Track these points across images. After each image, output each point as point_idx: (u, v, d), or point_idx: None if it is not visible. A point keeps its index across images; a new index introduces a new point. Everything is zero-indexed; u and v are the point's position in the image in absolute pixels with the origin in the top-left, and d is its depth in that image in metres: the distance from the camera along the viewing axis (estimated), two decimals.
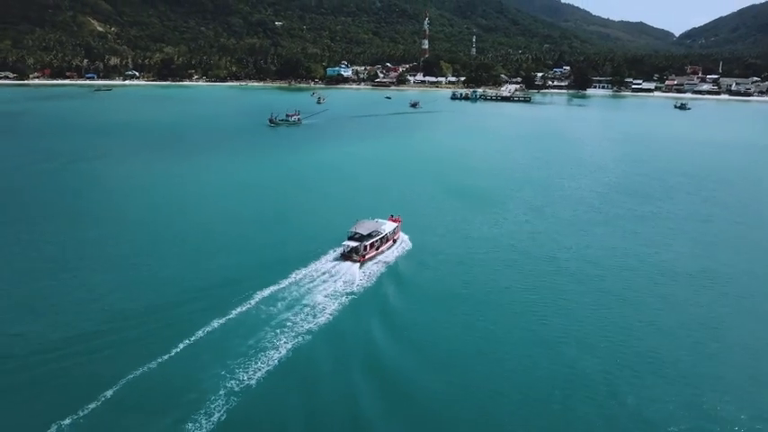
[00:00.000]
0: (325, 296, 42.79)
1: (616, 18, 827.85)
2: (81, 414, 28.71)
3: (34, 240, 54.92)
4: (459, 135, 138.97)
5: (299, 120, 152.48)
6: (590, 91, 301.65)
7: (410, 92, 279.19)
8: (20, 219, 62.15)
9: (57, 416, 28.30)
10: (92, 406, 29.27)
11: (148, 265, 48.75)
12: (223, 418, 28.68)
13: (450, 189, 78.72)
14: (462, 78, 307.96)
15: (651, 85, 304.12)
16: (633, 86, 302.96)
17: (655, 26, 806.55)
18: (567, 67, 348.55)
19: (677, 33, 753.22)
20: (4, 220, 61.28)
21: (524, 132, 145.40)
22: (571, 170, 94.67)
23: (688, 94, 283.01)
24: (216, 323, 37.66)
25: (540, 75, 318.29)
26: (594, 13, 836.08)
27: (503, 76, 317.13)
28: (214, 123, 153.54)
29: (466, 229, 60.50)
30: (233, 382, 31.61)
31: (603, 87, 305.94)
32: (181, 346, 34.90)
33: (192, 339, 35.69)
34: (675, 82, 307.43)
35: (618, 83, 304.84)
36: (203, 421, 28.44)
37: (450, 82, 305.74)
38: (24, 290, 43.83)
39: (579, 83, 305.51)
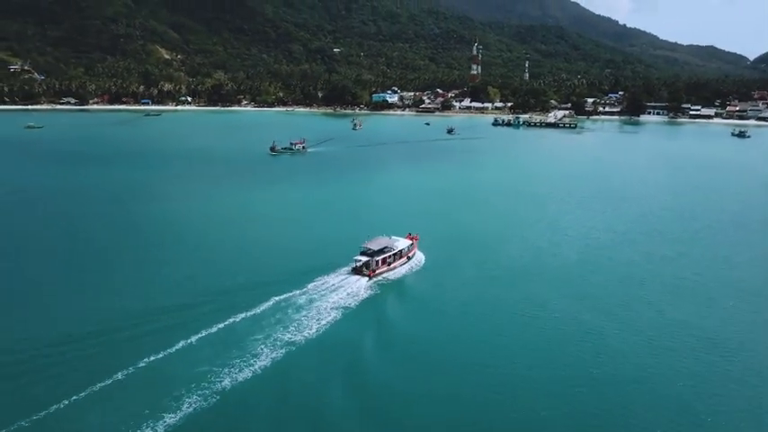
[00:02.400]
0: (326, 307, 46.51)
1: (685, 42, 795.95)
2: (99, 387, 34.84)
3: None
4: (479, 165, 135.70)
5: (303, 148, 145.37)
6: (644, 117, 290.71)
7: (455, 117, 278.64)
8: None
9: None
10: (109, 383, 35.28)
11: (179, 270, 56.52)
12: (191, 411, 32.85)
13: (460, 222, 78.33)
14: (509, 104, 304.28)
15: (711, 111, 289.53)
16: (690, 112, 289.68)
17: (727, 50, 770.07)
18: (625, 93, 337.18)
19: (752, 57, 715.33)
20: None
21: (554, 160, 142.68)
22: (592, 203, 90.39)
23: (751, 121, 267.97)
24: (217, 326, 42.53)
25: (591, 100, 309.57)
26: (662, 37, 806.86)
27: (553, 101, 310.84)
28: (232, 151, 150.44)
29: (478, 252, 63.43)
30: (213, 381, 35.74)
31: (658, 113, 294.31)
32: (186, 342, 40.12)
33: (195, 338, 40.67)
34: (738, 108, 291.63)
35: (674, 109, 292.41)
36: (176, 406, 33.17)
37: (496, 108, 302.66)
38: (48, 293, 50.81)
39: (632, 108, 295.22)
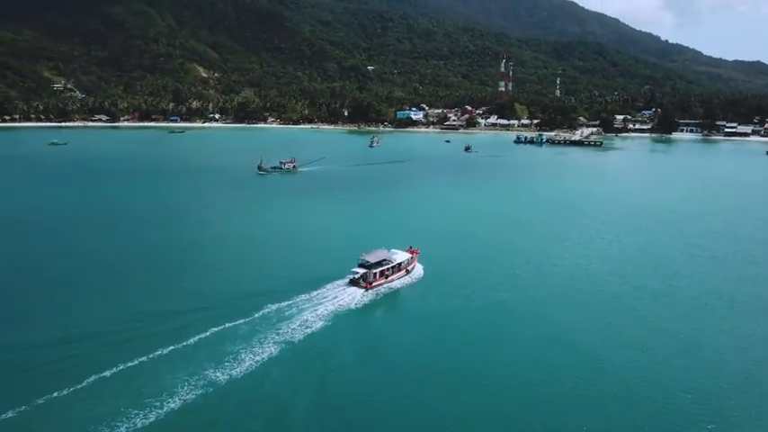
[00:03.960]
0: (316, 317, 48.34)
1: (730, 58, 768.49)
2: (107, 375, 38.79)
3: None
4: (479, 186, 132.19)
5: (294, 167, 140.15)
6: (676, 135, 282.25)
7: (479, 135, 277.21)
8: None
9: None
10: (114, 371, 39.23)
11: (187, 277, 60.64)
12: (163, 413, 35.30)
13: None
14: (536, 121, 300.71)
15: (748, 129, 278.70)
16: (726, 130, 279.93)
17: None
18: (659, 109, 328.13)
19: None
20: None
21: (562, 181, 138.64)
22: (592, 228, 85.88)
23: None
24: (211, 331, 45.44)
25: (621, 117, 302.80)
26: (706, 52, 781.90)
27: (581, 118, 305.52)
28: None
29: (476, 267, 64.50)
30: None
31: (691, 131, 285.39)
32: (178, 346, 42.86)
33: (185, 343, 43.45)
34: None
35: (708, 126, 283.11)
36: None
37: (522, 125, 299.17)
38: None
39: (664, 126, 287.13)
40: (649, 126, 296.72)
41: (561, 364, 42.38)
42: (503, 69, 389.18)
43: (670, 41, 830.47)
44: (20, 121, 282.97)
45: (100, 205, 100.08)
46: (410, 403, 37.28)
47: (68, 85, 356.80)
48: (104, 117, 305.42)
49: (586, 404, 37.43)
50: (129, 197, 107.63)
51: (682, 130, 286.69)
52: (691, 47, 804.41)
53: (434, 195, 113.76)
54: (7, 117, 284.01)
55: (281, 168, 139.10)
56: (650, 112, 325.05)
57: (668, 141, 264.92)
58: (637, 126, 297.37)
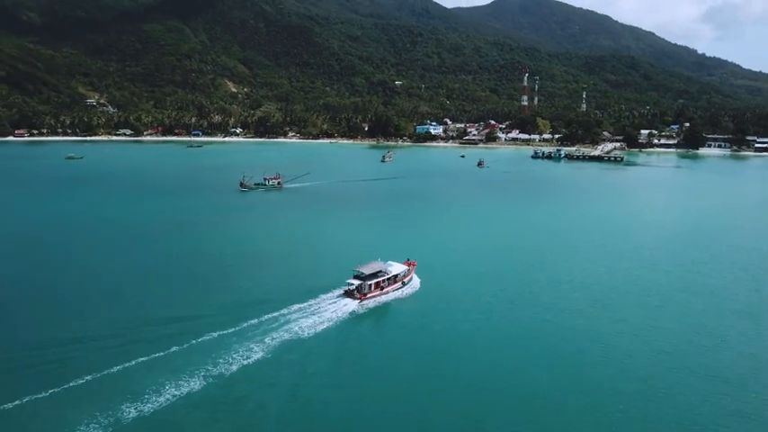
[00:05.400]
0: (307, 325, 49.75)
1: None
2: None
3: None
4: (481, 203, 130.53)
5: (279, 183, 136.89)
6: (703, 150, 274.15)
7: (499, 149, 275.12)
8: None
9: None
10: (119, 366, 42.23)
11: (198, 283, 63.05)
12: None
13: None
14: (557, 136, 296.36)
15: None
16: (756, 145, 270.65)
17: None
18: (687, 124, 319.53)
19: None
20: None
21: (565, 198, 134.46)
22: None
23: None
24: (203, 338, 47.37)
25: (646, 132, 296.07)
26: (746, 66, 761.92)
27: (606, 133, 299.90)
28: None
29: (471, 281, 64.92)
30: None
31: (720, 146, 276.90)
32: (167, 351, 44.89)
33: (175, 348, 45.49)
34: None
35: (738, 141, 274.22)
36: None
37: (544, 140, 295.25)
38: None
39: (691, 141, 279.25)
40: (675, 141, 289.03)
41: (559, 379, 42.69)
42: (525, 83, 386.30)
43: (707, 55, 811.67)
44: (47, 135, 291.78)
45: (74, 218, 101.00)
46: (398, 414, 37.83)
47: (101, 100, 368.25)
48: (128, 131, 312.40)
49: (587, 417, 37.96)
50: (109, 210, 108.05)
51: (709, 146, 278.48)
52: (730, 60, 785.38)
53: (436, 209, 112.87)
54: (35, 131, 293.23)
55: (266, 185, 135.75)
56: (677, 127, 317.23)
57: (694, 157, 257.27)
58: (662, 141, 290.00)
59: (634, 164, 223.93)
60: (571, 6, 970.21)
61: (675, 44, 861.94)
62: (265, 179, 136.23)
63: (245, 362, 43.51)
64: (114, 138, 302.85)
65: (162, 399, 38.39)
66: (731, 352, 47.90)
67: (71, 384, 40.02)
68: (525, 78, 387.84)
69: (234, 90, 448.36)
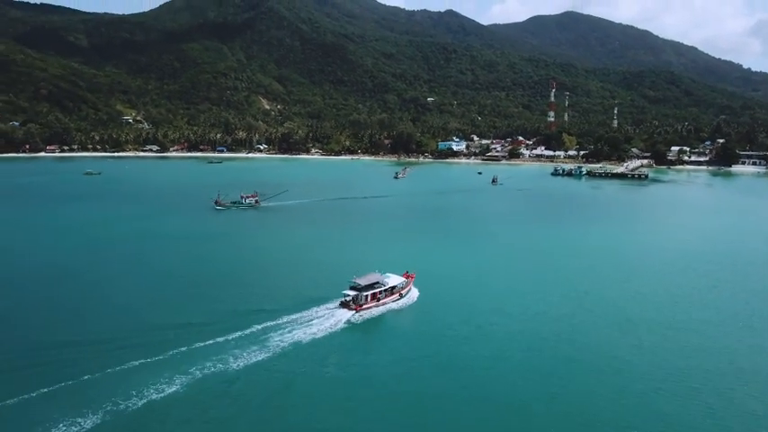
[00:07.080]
0: (301, 335, 50.68)
1: None
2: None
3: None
4: (482, 221, 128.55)
5: (256, 202, 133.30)
6: (736, 168, 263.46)
7: (522, 166, 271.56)
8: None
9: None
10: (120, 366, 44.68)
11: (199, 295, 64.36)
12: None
13: None
14: (583, 152, 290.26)
15: None
16: None
17: None
18: (722, 140, 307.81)
19: None
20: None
21: (567, 219, 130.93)
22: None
23: None
24: (196, 345, 48.68)
25: (676, 149, 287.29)
26: None
27: (634, 150, 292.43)
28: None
29: (468, 293, 65.57)
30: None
31: (755, 163, 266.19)
32: (157, 358, 46.27)
33: (169, 354, 47.10)
34: None
35: None
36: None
37: (568, 156, 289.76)
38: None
39: (723, 158, 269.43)
40: (708, 158, 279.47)
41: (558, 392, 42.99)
42: (552, 99, 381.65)
43: (753, 69, 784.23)
44: (77, 151, 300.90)
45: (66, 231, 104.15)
46: (389, 423, 38.48)
47: (138, 117, 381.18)
48: (155, 147, 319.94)
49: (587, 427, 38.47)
50: (98, 222, 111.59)
51: (743, 162, 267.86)
52: None
53: (438, 226, 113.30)
54: (66, 147, 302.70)
55: (242, 203, 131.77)
56: (710, 143, 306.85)
57: (726, 175, 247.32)
58: (693, 158, 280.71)
59: (659, 181, 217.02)
60: (610, 22, 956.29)
61: (719, 59, 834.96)
62: (242, 197, 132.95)
63: (237, 370, 44.47)
64: (141, 153, 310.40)
65: (154, 403, 39.81)
66: None
67: (59, 386, 42.04)
68: (552, 94, 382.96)
69: (267, 107, 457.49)
